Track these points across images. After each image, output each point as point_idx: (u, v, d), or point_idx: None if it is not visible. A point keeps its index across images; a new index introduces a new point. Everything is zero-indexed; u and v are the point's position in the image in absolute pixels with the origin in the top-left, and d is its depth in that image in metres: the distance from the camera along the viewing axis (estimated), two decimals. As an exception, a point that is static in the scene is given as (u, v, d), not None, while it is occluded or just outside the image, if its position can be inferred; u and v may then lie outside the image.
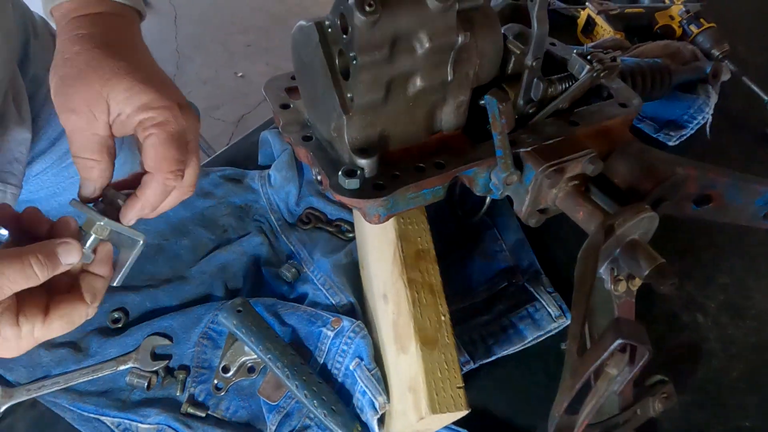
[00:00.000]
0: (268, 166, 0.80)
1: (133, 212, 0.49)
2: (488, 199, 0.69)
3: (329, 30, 0.46)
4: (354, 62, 0.43)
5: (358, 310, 0.65)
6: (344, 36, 0.43)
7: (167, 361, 0.63)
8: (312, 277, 0.69)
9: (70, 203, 0.47)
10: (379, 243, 0.61)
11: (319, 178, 0.53)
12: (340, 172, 0.48)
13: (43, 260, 0.42)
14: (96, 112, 0.46)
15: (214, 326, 0.65)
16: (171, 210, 0.74)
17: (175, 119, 0.47)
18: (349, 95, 0.46)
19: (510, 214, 0.75)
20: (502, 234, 0.73)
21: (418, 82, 0.48)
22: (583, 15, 0.97)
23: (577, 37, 0.99)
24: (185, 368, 0.63)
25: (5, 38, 0.63)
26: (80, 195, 0.48)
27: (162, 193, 0.48)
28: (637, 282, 0.51)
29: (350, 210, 0.76)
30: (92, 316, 0.48)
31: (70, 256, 0.44)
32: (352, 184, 0.48)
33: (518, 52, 0.56)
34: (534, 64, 0.54)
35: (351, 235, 0.74)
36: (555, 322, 0.64)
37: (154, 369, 0.62)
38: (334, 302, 0.65)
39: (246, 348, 0.62)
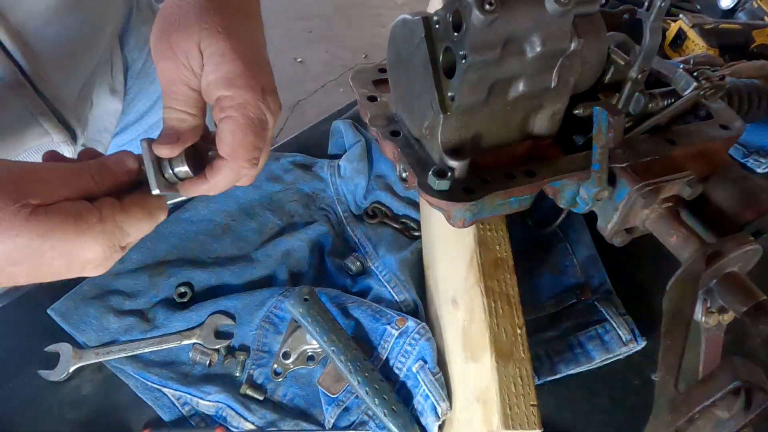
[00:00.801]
0: (338, 156, 0.80)
1: (194, 191, 0.46)
2: (564, 211, 0.67)
3: (436, 26, 0.45)
4: (463, 61, 0.42)
5: (422, 310, 0.64)
6: (455, 33, 0.42)
7: (229, 341, 0.63)
8: (376, 272, 0.68)
9: (141, 140, 0.44)
10: (452, 246, 0.60)
11: (404, 175, 0.52)
12: (430, 172, 0.47)
13: (96, 170, 0.41)
14: (192, 64, 0.43)
15: (277, 311, 0.65)
16: (240, 191, 0.75)
17: (255, 103, 0.43)
18: (450, 94, 0.45)
19: (583, 227, 0.72)
20: (573, 248, 0.70)
21: (521, 86, 0.47)
22: (673, 27, 0.93)
23: (664, 50, 0.95)
24: (246, 350, 0.64)
25: (111, 9, 0.64)
26: (156, 146, 0.44)
27: (233, 181, 0.46)
28: (729, 316, 0.48)
29: (417, 208, 0.75)
30: (165, 216, 0.45)
31: (124, 163, 0.43)
32: (442, 185, 0.47)
33: (622, 63, 0.53)
34: (639, 76, 0.52)
35: (417, 233, 0.73)
36: (625, 346, 0.62)
37: (217, 347, 0.63)
38: (398, 300, 0.65)
39: (307, 336, 0.62)
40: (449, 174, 0.47)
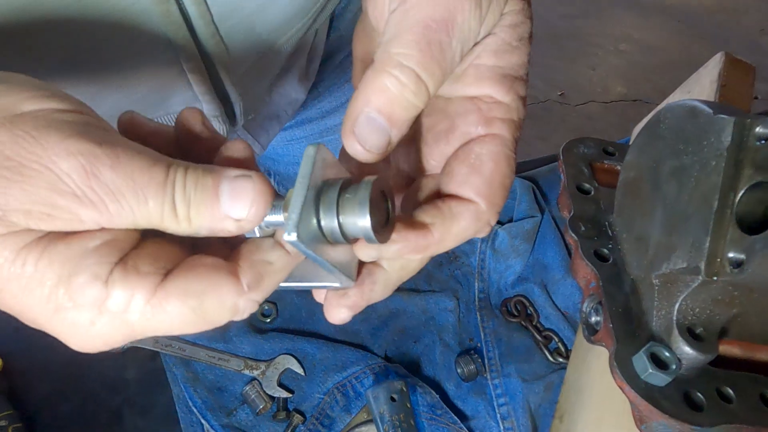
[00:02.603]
0: (500, 221, 0.64)
1: (392, 249, 0.26)
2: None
3: (759, 142, 0.27)
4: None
5: (532, 475, 0.47)
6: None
7: (290, 396, 0.52)
8: (492, 394, 0.52)
9: (306, 148, 0.26)
10: (615, 424, 0.41)
11: (593, 320, 0.35)
12: (642, 351, 0.30)
13: (195, 189, 0.23)
14: None
15: (356, 383, 0.52)
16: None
17: (520, 122, 0.29)
18: (734, 255, 0.27)
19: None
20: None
21: None
22: None
23: None
24: (303, 413, 0.52)
25: None
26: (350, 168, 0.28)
27: (463, 237, 0.28)
28: None
29: (573, 327, 0.57)
30: (245, 316, 0.25)
31: (239, 202, 0.24)
32: (657, 378, 0.29)
33: None
34: None
35: (562, 360, 0.55)
36: None
37: (275, 395, 0.52)
38: (507, 449, 0.48)
39: (378, 438, 0.48)
40: (674, 366, 0.29)
